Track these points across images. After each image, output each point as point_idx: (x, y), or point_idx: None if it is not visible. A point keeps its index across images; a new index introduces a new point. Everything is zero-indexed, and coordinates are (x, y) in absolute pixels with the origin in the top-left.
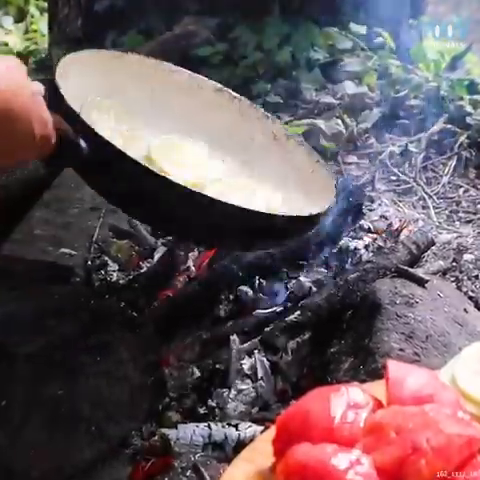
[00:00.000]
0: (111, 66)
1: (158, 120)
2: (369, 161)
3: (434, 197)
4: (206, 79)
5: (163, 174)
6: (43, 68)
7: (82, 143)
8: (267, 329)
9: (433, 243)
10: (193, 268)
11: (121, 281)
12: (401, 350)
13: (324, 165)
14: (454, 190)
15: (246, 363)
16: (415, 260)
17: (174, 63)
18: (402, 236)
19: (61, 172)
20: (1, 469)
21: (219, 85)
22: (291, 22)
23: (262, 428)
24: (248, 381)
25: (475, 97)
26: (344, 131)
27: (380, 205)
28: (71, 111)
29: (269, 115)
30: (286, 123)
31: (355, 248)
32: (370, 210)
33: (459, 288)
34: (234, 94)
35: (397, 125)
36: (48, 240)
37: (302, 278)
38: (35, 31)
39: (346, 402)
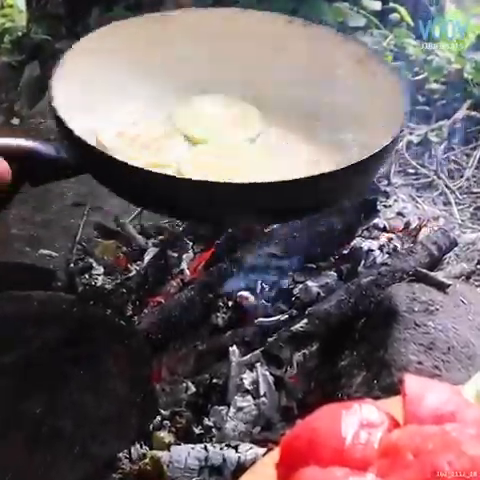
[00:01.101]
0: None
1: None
2: None
3: (457, 192)
4: (272, 13)
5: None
6: (20, 47)
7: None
8: (270, 339)
9: (456, 244)
10: (188, 271)
11: (107, 286)
12: (420, 363)
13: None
14: (479, 184)
15: (247, 377)
16: (435, 263)
17: None
18: (421, 236)
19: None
20: None
21: (289, 17)
22: None
23: (264, 450)
24: (249, 398)
25: None
26: None
27: (396, 201)
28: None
29: (350, 36)
30: None
31: (369, 249)
32: (385, 207)
33: None
34: (306, 21)
35: (415, 112)
36: (26, 240)
37: (309, 282)
38: (11, 6)
39: (358, 421)
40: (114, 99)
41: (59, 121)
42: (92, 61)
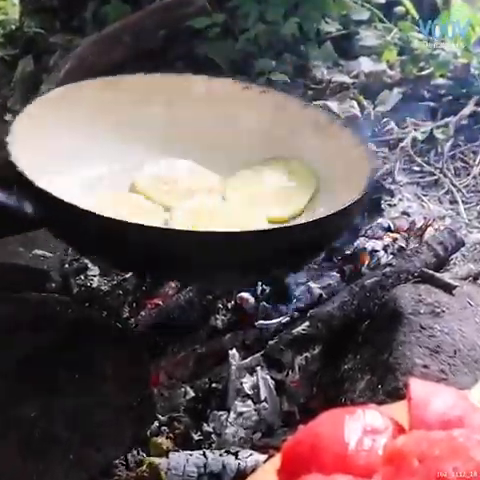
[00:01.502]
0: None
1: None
2: (389, 149)
3: (463, 190)
4: (230, 79)
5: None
6: (13, 41)
7: (25, 207)
8: (271, 342)
9: (463, 244)
10: None
11: (103, 287)
12: (425, 367)
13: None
14: None
15: (247, 382)
16: (442, 263)
17: (165, 36)
18: (426, 236)
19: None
20: None
21: (244, 84)
22: None
23: (265, 456)
24: (249, 402)
25: None
26: (360, 115)
27: (401, 200)
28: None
29: (307, 103)
30: None
31: (372, 249)
32: (390, 206)
33: None
34: (262, 88)
35: (421, 108)
36: (19, 240)
37: (311, 284)
38: None
39: (362, 426)
40: (71, 159)
41: (20, 175)
42: (48, 123)
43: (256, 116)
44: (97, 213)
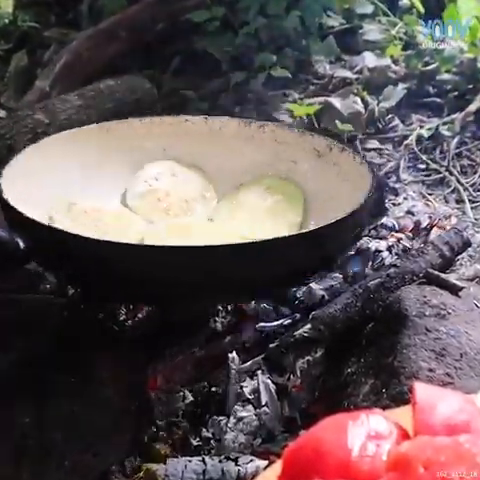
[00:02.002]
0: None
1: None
2: (393, 147)
3: (470, 189)
4: (227, 118)
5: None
6: (6, 35)
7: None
8: (272, 345)
9: (469, 244)
10: None
11: None
12: (431, 370)
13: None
14: None
15: (247, 386)
16: (448, 264)
17: (163, 30)
18: (432, 236)
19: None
20: None
21: (243, 120)
22: None
23: (266, 463)
24: (250, 407)
25: None
26: (363, 111)
27: (406, 199)
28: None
29: (307, 131)
30: (294, 101)
31: (376, 249)
32: (394, 205)
33: None
34: (261, 122)
35: (426, 104)
36: None
37: (313, 285)
38: None
39: (366, 432)
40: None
41: (7, 206)
42: (43, 163)
43: (256, 150)
44: (67, 231)
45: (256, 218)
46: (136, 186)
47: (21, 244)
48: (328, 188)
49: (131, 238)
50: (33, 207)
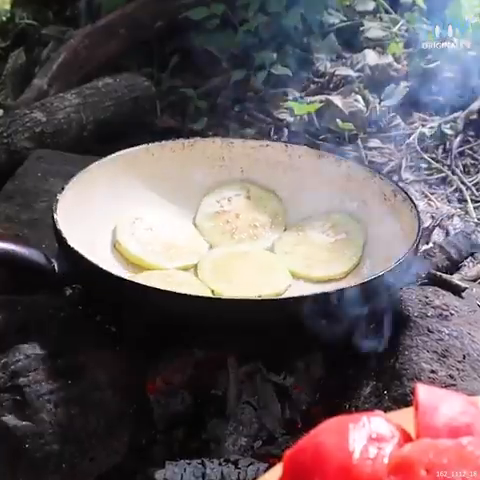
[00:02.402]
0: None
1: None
2: (395, 146)
3: (473, 188)
4: (305, 147)
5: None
6: (4, 33)
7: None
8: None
9: (478, 247)
10: None
11: None
12: (433, 372)
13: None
14: None
15: (247, 388)
16: (455, 267)
17: (162, 28)
18: (434, 235)
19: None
20: None
21: (321, 152)
22: None
23: (266, 465)
24: (250, 409)
25: None
26: (365, 109)
27: None
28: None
29: (376, 172)
30: (295, 100)
31: None
32: None
33: None
34: (338, 157)
35: (428, 102)
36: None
37: None
38: None
39: (367, 434)
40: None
41: (58, 233)
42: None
43: (329, 184)
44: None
45: (315, 255)
46: (207, 206)
47: (56, 268)
48: (387, 233)
49: (181, 262)
50: (96, 222)
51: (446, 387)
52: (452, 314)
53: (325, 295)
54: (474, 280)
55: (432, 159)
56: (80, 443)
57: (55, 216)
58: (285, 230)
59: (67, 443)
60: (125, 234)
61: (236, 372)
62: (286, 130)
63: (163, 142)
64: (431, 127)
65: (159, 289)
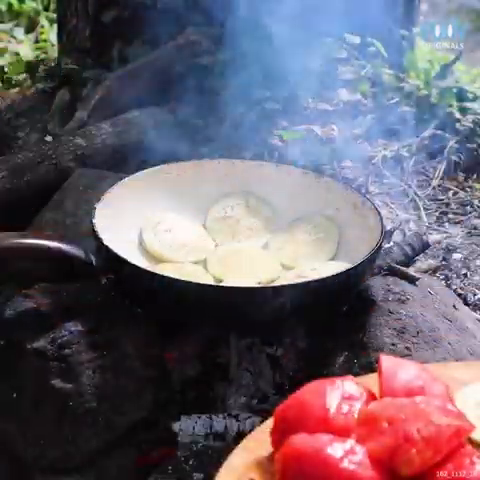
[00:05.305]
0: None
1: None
2: (363, 165)
3: (425, 199)
4: (292, 167)
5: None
6: (52, 76)
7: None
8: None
9: (428, 246)
10: None
11: None
12: (393, 345)
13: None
14: (444, 192)
15: (246, 357)
16: (409, 261)
17: (179, 71)
18: (394, 237)
19: None
20: (12, 457)
21: (304, 170)
22: None
23: (261, 419)
24: (248, 375)
25: (464, 104)
26: (338, 136)
27: None
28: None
29: (349, 186)
30: (284, 128)
31: None
32: None
33: (448, 286)
34: (318, 174)
35: (389, 131)
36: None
37: None
38: (45, 41)
39: (341, 394)
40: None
41: (95, 234)
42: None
43: (311, 195)
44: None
45: (301, 250)
46: (215, 212)
47: (94, 262)
48: (357, 234)
49: (193, 257)
50: (126, 225)
51: (403, 357)
52: (408, 299)
53: (309, 283)
54: (425, 272)
55: (392, 175)
56: (113, 402)
57: (93, 221)
58: (276, 231)
59: (103, 401)
60: (149, 234)
61: (237, 345)
62: (277, 153)
63: (179, 162)
64: (392, 150)
65: (174, 278)
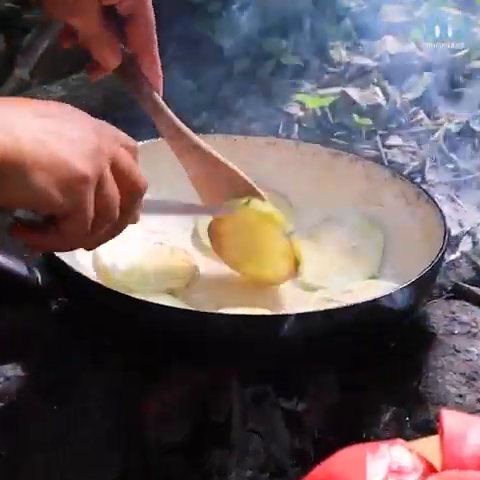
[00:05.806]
0: None
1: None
2: (418, 144)
3: None
4: (317, 145)
5: None
6: None
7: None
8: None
9: None
10: None
11: None
12: (460, 396)
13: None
14: None
15: (253, 413)
16: None
17: (164, 11)
18: (462, 245)
19: None
20: None
21: (335, 150)
22: None
23: None
24: (256, 438)
25: None
26: (384, 103)
27: None
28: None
29: (397, 173)
30: (306, 92)
31: None
32: None
33: None
34: (353, 156)
35: (455, 95)
36: None
37: None
38: None
39: (387, 465)
40: None
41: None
42: None
43: (342, 186)
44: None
45: (332, 263)
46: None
47: (40, 280)
48: (408, 240)
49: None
50: None
51: (475, 413)
52: None
53: (338, 311)
54: None
55: (459, 159)
56: (65, 473)
57: None
58: (294, 236)
59: (51, 472)
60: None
61: (241, 396)
62: (296, 126)
63: (159, 139)
64: (458, 123)
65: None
